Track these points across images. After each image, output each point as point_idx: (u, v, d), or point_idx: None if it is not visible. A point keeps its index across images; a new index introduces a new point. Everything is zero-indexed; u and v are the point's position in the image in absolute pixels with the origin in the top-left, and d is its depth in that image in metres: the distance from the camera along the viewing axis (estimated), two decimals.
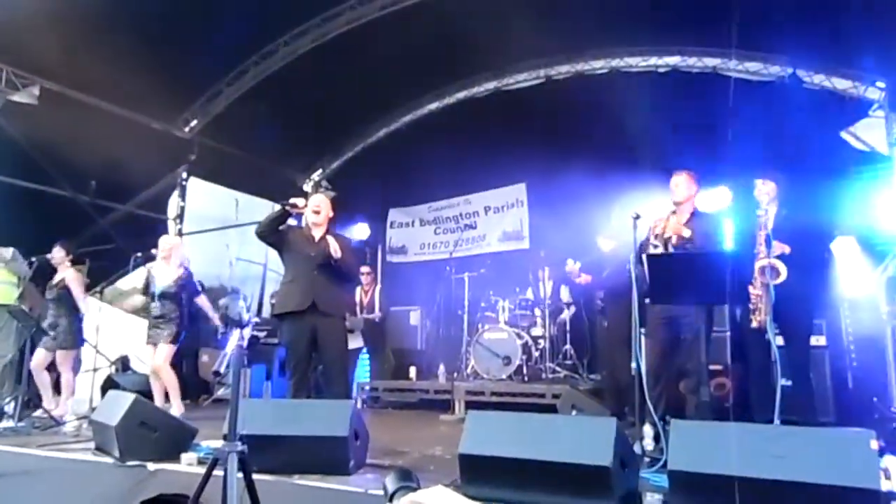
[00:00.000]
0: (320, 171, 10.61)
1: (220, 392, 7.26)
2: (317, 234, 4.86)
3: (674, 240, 4.42)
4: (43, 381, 6.02)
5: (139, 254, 6.03)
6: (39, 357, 5.95)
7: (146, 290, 5.74)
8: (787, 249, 4.39)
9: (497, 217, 9.59)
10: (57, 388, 6.06)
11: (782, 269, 4.24)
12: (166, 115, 8.29)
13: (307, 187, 10.60)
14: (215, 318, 5.96)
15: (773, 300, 4.20)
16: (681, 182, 4.57)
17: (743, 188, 5.63)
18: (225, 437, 2.72)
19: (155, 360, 5.57)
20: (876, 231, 6.41)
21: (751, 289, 4.16)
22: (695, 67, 7.90)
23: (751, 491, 2.43)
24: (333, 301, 4.63)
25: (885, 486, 2.61)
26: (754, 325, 4.16)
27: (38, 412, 5.74)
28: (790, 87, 7.02)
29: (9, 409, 5.50)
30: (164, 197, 8.76)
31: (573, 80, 8.51)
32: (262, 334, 7.33)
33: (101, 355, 6.33)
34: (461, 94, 9.38)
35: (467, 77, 9.14)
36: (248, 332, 2.36)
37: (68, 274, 6.06)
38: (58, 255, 6.11)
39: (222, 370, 2.26)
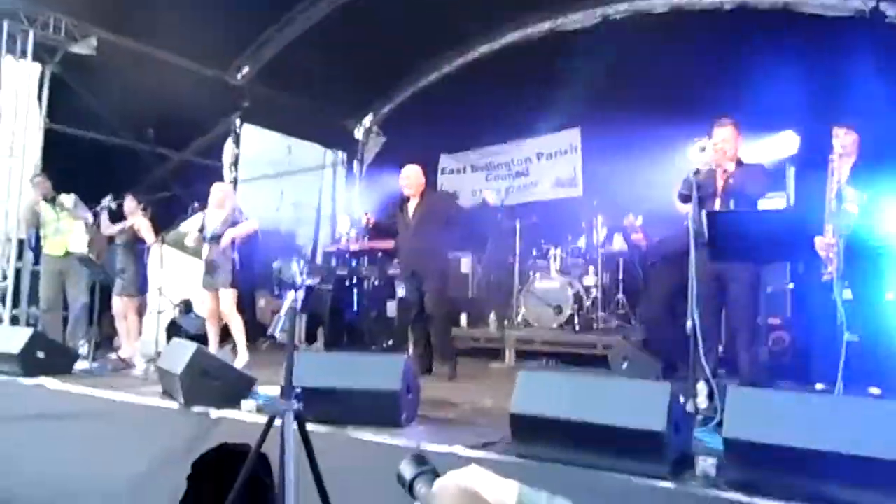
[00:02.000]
0: (371, 115, 10.53)
1: (279, 335, 7.49)
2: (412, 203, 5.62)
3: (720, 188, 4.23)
4: (122, 328, 6.41)
5: (196, 203, 6.15)
6: (118, 305, 6.33)
7: (201, 233, 5.89)
8: (863, 197, 4.14)
9: (550, 163, 9.37)
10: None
11: (854, 216, 4.02)
12: (219, 62, 8.31)
13: (358, 133, 10.57)
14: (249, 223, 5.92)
15: (843, 253, 4.02)
16: (726, 134, 4.30)
17: (815, 134, 5.32)
18: (282, 390, 2.81)
19: (221, 307, 5.71)
20: None
21: (819, 241, 3.97)
22: (764, 3, 7.38)
23: (810, 462, 2.37)
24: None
25: None
26: (824, 278, 3.98)
27: (112, 355, 6.08)
28: (872, 23, 6.50)
29: (83, 351, 5.81)
30: (218, 144, 8.87)
31: (632, 20, 8.08)
32: (315, 281, 7.48)
33: (166, 298, 6.59)
34: (514, 36, 9.04)
35: (520, 18, 8.79)
36: (301, 294, 2.38)
37: (140, 221, 6.33)
38: (130, 204, 6.42)
39: (277, 334, 2.29)
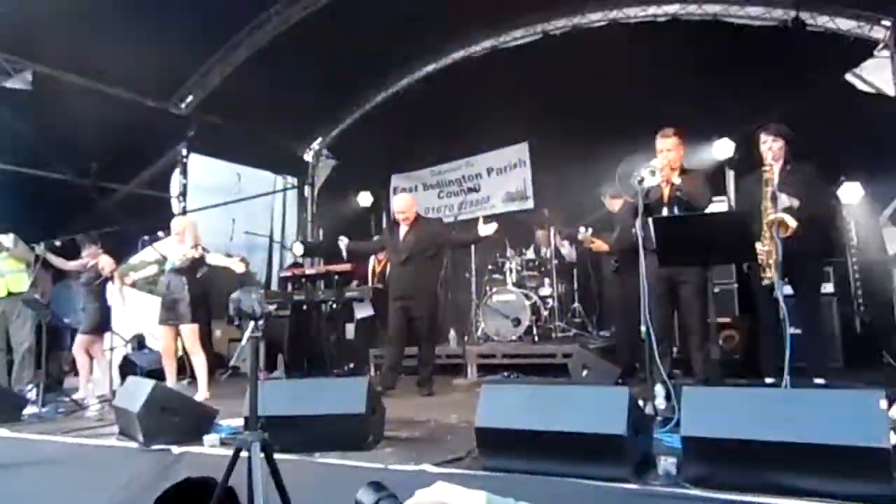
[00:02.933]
0: (320, 139, 10.53)
1: (242, 366, 7.36)
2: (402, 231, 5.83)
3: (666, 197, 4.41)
4: (84, 366, 6.22)
5: (146, 237, 6.04)
6: (80, 343, 6.18)
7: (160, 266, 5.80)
8: (795, 203, 4.37)
9: (500, 178, 9.54)
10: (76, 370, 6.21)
11: (791, 223, 4.23)
12: (162, 92, 8.20)
13: (308, 157, 10.54)
14: (234, 261, 5.85)
15: (782, 254, 4.21)
16: (670, 144, 4.51)
17: (746, 139, 5.57)
18: (246, 422, 2.78)
19: (185, 342, 5.61)
20: (881, 174, 6.36)
21: (759, 246, 4.16)
22: (695, 15, 7.72)
23: (763, 453, 2.48)
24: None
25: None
26: (765, 282, 4.17)
27: (64, 397, 5.89)
28: (793, 31, 6.86)
29: (31, 395, 5.61)
30: (166, 175, 8.73)
31: (571, 35, 8.34)
32: (272, 307, 7.40)
33: (117, 335, 6.43)
34: (458, 55, 9.22)
35: (463, 36, 8.96)
36: (261, 323, 2.39)
37: (105, 260, 6.22)
38: (90, 249, 6.32)
39: (239, 364, 2.28)
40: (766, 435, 2.49)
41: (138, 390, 3.94)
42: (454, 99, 8.63)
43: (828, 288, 5.86)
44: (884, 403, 2.45)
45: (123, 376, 6.18)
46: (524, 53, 8.60)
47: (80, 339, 6.19)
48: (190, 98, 8.48)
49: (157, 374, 5.65)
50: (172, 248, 5.80)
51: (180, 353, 5.95)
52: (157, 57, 6.80)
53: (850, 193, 6.62)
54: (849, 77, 6.97)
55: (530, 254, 7.90)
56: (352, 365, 7.44)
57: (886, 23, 6.75)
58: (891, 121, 6.21)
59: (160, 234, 5.87)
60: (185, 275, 5.59)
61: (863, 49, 6.91)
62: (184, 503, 2.85)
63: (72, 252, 6.46)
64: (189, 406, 4.07)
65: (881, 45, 6.82)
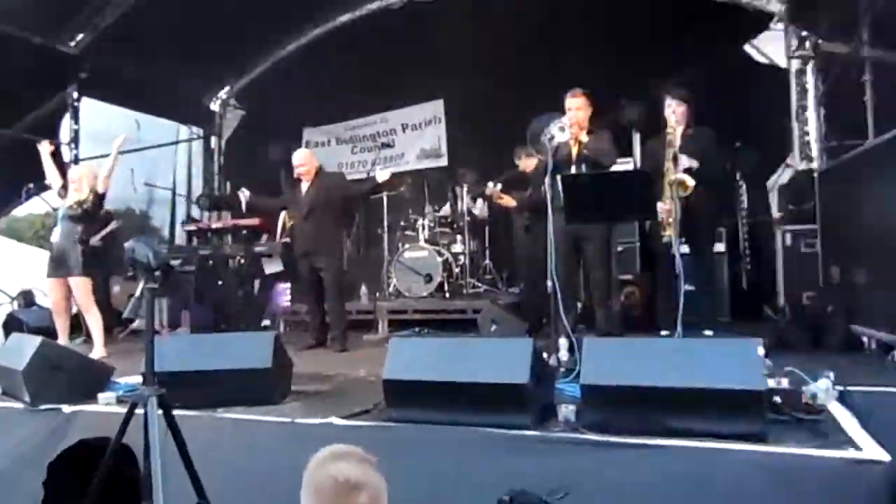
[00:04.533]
0: (228, 88, 10.01)
1: (136, 324, 7.04)
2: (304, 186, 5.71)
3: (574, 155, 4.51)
4: None
5: (31, 184, 5.59)
6: None
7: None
8: (695, 164, 4.58)
9: (415, 134, 9.46)
10: None
11: (690, 182, 4.43)
12: (49, 29, 7.50)
13: (214, 106, 10.03)
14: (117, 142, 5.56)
15: (681, 214, 4.42)
16: (579, 103, 4.58)
17: (652, 102, 5.74)
18: (143, 377, 2.66)
19: (76, 297, 5.27)
20: (773, 142, 6.75)
21: (660, 205, 4.34)
22: None
23: (654, 398, 2.63)
24: None
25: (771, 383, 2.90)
26: (664, 240, 4.37)
27: None
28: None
29: None
30: (55, 120, 8.06)
31: None
32: (176, 262, 7.07)
33: (1, 291, 5.98)
34: (374, 5, 8.91)
35: None
36: (158, 274, 2.27)
37: None
38: None
39: (132, 316, 2.16)
40: (657, 381, 2.64)
41: (23, 347, 3.69)
42: (370, 52, 8.39)
43: (719, 247, 6.21)
44: (761, 351, 2.64)
45: (8, 334, 5.77)
46: (441, 5, 8.43)
47: None
48: (80, 36, 7.81)
49: (47, 332, 5.30)
50: (69, 196, 5.39)
51: (75, 310, 5.62)
52: None
53: (744, 158, 6.99)
54: (746, 48, 7.28)
55: (445, 210, 7.91)
56: (267, 322, 7.28)
57: None
58: (783, 91, 6.57)
59: (47, 181, 5.44)
60: (77, 223, 5.22)
61: (761, 21, 7.22)
62: (80, 466, 2.71)
63: None
64: (81, 363, 3.85)
65: (776, 18, 7.14)
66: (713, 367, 2.60)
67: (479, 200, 7.92)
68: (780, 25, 7.02)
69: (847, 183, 4.93)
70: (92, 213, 5.34)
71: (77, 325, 5.88)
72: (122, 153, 6.65)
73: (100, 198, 5.39)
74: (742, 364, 2.58)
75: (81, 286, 5.25)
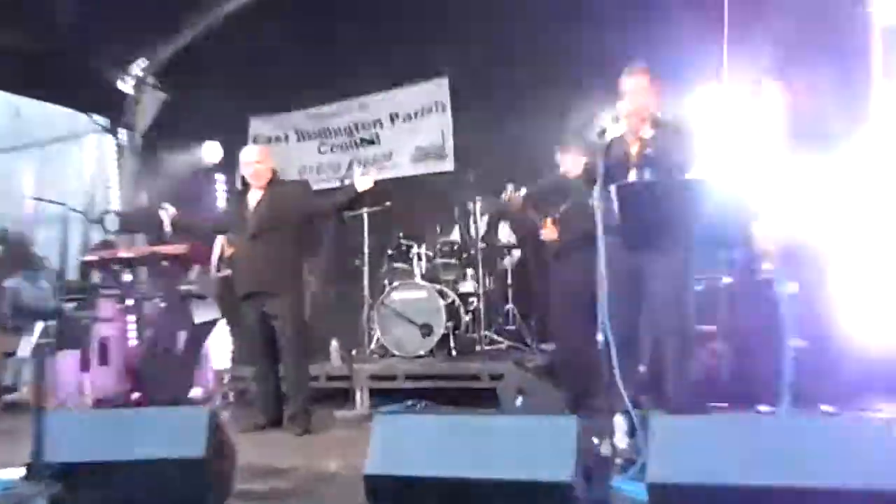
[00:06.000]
0: (145, 61, 10.16)
1: (17, 394, 7.07)
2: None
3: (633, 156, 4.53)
4: None
5: None
6: None
7: None
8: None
9: (408, 127, 9.53)
10: None
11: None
12: None
13: (126, 87, 10.16)
14: None
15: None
16: (637, 86, 4.58)
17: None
18: (28, 470, 2.68)
19: None
20: None
21: (757, 227, 4.37)
22: None
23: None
24: None
25: None
26: (763, 275, 4.39)
27: None
28: None
29: None
30: None
31: None
32: (70, 306, 7.08)
33: None
34: None
35: None
36: (52, 327, 2.30)
37: None
38: None
39: (13, 384, 2.19)
40: (759, 479, 2.63)
41: None
42: (344, 9, 8.50)
43: None
44: None
45: None
46: None
47: None
48: None
49: None
50: None
51: None
52: None
53: None
54: None
55: (451, 234, 7.95)
56: (199, 393, 7.29)
57: None
58: None
59: None
60: None
61: None
62: None
63: None
64: None
65: None
66: (842, 457, 2.59)
67: (501, 222, 7.96)
68: None
69: None
70: None
71: None
72: None
73: None
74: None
75: None
